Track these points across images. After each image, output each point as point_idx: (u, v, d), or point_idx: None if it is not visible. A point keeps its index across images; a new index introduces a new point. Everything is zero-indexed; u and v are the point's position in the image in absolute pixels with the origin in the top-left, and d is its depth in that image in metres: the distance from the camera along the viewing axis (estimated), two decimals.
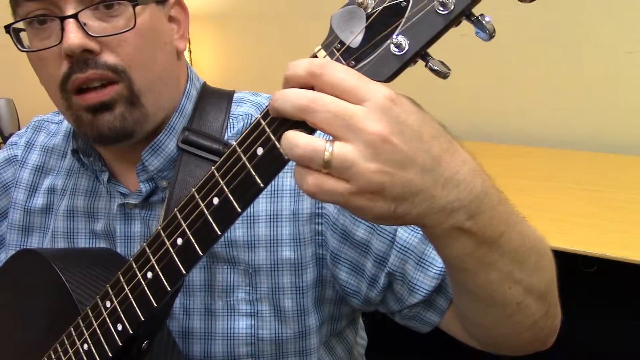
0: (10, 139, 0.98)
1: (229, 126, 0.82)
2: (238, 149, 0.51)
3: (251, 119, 0.82)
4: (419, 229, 0.62)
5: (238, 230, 0.78)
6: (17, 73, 2.64)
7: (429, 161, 0.47)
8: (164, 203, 0.81)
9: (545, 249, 0.64)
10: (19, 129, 2.39)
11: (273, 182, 0.55)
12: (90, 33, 0.71)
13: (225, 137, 0.81)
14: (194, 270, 0.78)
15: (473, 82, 2.09)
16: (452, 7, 0.45)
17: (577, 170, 1.78)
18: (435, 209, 0.49)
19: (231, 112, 0.84)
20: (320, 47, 0.50)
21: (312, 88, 0.47)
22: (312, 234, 0.78)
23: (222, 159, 0.53)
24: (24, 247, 0.91)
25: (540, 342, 0.72)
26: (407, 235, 0.77)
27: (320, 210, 0.77)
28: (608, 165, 1.81)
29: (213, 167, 0.54)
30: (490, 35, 0.46)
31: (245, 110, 0.84)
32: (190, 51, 2.55)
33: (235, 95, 0.87)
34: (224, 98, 0.85)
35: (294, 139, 0.46)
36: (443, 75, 0.48)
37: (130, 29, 0.72)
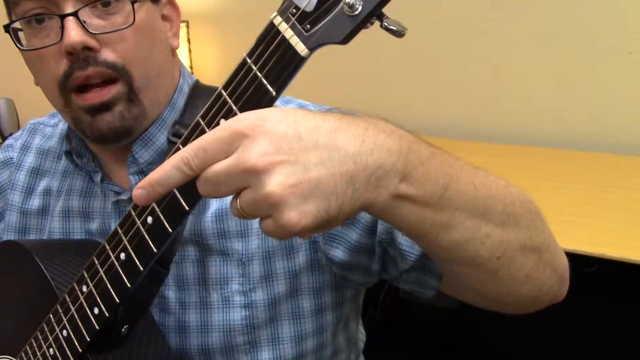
0: (6, 142, 0.99)
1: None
2: (202, 121, 0.54)
3: None
4: None
5: (231, 221, 0.79)
6: (17, 73, 2.64)
7: (322, 151, 0.46)
8: None
9: (514, 194, 0.60)
10: (19, 129, 2.39)
11: None
12: (90, 30, 0.72)
13: None
14: (187, 264, 0.79)
15: (473, 82, 2.09)
16: None
17: (577, 170, 1.78)
18: (360, 188, 0.47)
19: None
20: (276, 13, 0.51)
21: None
22: None
23: (185, 134, 0.55)
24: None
25: (550, 295, 0.67)
26: None
27: None
28: (608, 165, 1.81)
29: (179, 142, 0.55)
30: None
31: None
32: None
33: None
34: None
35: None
36: (399, 34, 0.48)
37: (130, 25, 0.73)
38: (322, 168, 0.46)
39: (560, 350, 1.61)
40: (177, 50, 0.85)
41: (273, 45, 0.50)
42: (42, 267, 0.75)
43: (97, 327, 0.66)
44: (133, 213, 0.60)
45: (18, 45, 0.77)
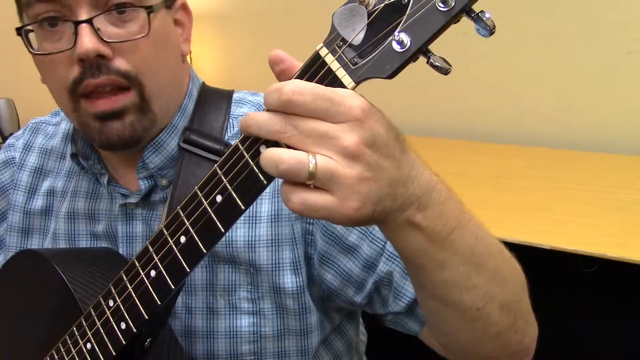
0: (8, 141, 0.98)
1: (229, 127, 0.83)
2: (241, 146, 0.52)
3: None
4: None
5: (239, 231, 0.79)
6: (17, 73, 2.64)
7: (395, 164, 0.51)
8: (166, 203, 0.81)
9: (506, 257, 0.65)
10: (19, 129, 2.38)
11: (275, 183, 0.56)
12: (103, 38, 0.71)
13: (225, 137, 0.82)
14: (195, 270, 0.78)
15: (473, 82, 2.09)
16: (453, 3, 0.46)
17: (577, 170, 1.78)
18: (395, 206, 0.52)
19: (231, 113, 0.84)
20: (322, 44, 0.51)
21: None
22: (303, 233, 0.79)
23: (224, 157, 0.53)
24: (24, 248, 0.90)
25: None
26: None
27: None
28: (608, 165, 1.81)
29: (216, 165, 0.54)
30: (491, 31, 0.47)
31: (245, 110, 0.85)
32: (190, 51, 2.55)
33: (235, 96, 0.87)
34: (224, 98, 0.86)
35: (277, 155, 0.48)
36: (444, 71, 0.49)
37: (145, 35, 0.72)
38: (389, 177, 0.50)
39: (560, 350, 1.61)
40: None
41: (319, 76, 0.50)
42: (65, 279, 0.74)
43: (124, 342, 0.66)
44: (165, 232, 0.59)
45: (29, 48, 0.75)
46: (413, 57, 0.49)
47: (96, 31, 0.70)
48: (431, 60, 0.49)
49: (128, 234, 0.84)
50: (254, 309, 0.80)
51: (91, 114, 0.73)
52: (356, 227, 0.77)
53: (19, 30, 0.75)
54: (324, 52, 0.50)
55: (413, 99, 2.12)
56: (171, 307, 0.75)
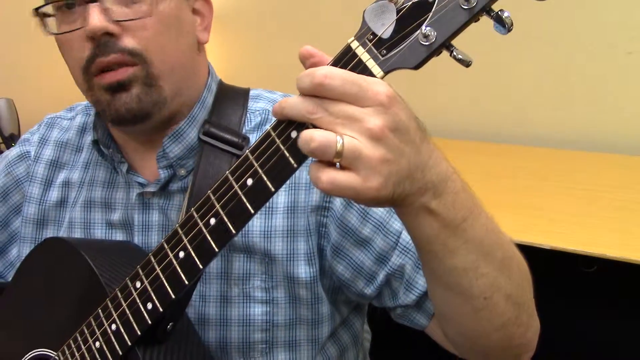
0: (23, 136, 1.00)
1: (246, 121, 0.86)
2: (272, 132, 0.56)
3: (268, 114, 0.87)
4: None
5: (256, 221, 0.81)
6: (17, 73, 2.64)
7: (415, 150, 0.54)
8: (185, 193, 0.84)
9: (514, 252, 0.68)
10: (19, 129, 2.38)
11: (293, 177, 0.58)
12: (112, 17, 0.74)
13: (243, 130, 0.85)
14: None
15: (473, 82, 2.09)
16: (475, 2, 0.50)
17: (577, 170, 1.78)
18: (413, 190, 0.55)
19: (249, 107, 0.87)
20: (353, 38, 0.54)
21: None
22: (317, 225, 0.81)
23: (256, 143, 0.57)
24: (39, 239, 0.93)
25: (514, 352, 0.73)
26: (409, 237, 0.78)
27: (327, 204, 0.80)
28: (608, 165, 1.81)
29: (247, 151, 0.58)
30: (509, 29, 0.51)
31: (262, 106, 0.88)
32: (208, 40, 2.55)
33: (252, 92, 0.91)
34: (241, 94, 0.89)
35: (310, 134, 0.52)
36: (466, 63, 0.53)
37: (150, 14, 0.76)
38: (408, 161, 0.53)
39: (560, 350, 1.61)
40: None
41: (349, 66, 0.54)
42: (92, 264, 0.77)
43: (150, 322, 0.68)
44: (195, 214, 0.62)
45: (44, 30, 0.80)
46: (437, 51, 0.53)
47: (105, 10, 0.74)
48: (454, 53, 0.53)
49: (144, 222, 0.86)
50: (268, 297, 0.82)
51: (101, 87, 0.77)
52: (370, 221, 0.80)
53: (36, 11, 0.79)
54: (355, 44, 0.54)
55: (413, 99, 2.10)
56: (191, 293, 0.77)
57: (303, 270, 0.81)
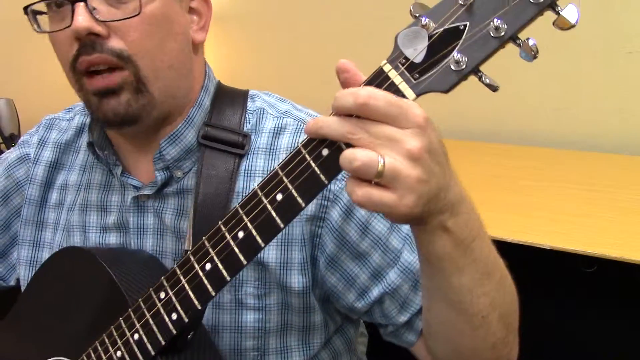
0: (22, 138, 1.00)
1: (245, 121, 0.85)
2: (303, 150, 0.57)
3: (263, 114, 0.86)
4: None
5: None
6: (17, 73, 2.64)
7: (442, 171, 0.56)
8: (180, 195, 0.83)
9: (507, 274, 0.70)
10: (19, 129, 2.38)
11: None
12: (98, 17, 0.74)
13: (244, 129, 0.84)
14: None
15: (473, 82, 2.09)
16: (503, 32, 0.52)
17: (577, 170, 1.77)
18: (437, 209, 0.57)
19: (247, 107, 0.87)
20: (385, 61, 0.56)
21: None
22: (311, 235, 0.80)
23: (286, 160, 0.59)
24: (38, 241, 0.94)
25: None
26: (412, 258, 0.80)
27: (322, 215, 0.79)
28: (608, 165, 1.81)
29: (277, 167, 0.59)
30: (534, 57, 0.53)
31: (259, 105, 0.87)
32: (204, 39, 2.55)
33: (250, 93, 0.90)
34: (240, 95, 0.89)
35: (353, 154, 0.53)
36: (494, 88, 0.56)
37: (135, 15, 0.74)
38: (437, 181, 0.56)
39: (560, 350, 1.61)
40: None
41: (383, 88, 0.55)
42: (112, 273, 0.77)
43: (175, 332, 0.69)
44: (223, 228, 0.64)
45: (34, 27, 0.79)
46: (467, 76, 0.55)
47: (91, 10, 0.73)
48: (483, 78, 0.55)
49: (139, 225, 0.86)
50: (260, 305, 0.81)
51: (90, 91, 0.76)
52: (369, 236, 0.80)
53: (25, 9, 0.79)
54: (387, 67, 0.56)
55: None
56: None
57: (296, 280, 0.80)
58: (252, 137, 0.83)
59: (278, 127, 0.83)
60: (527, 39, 0.53)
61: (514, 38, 0.53)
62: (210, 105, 0.86)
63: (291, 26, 2.45)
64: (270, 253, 0.80)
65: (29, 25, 0.80)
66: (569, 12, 0.51)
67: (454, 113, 2.24)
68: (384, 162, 0.52)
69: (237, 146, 0.82)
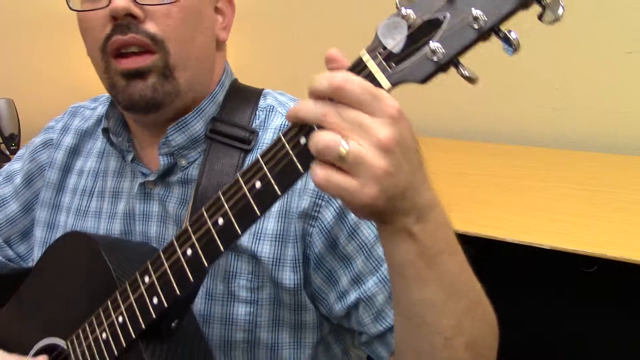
0: (48, 124, 1.04)
1: (255, 118, 0.87)
2: (283, 138, 0.57)
3: (272, 111, 0.87)
4: None
5: None
6: (17, 73, 2.64)
7: (412, 169, 0.55)
8: (185, 185, 0.85)
9: (483, 301, 0.67)
10: (19, 129, 2.38)
11: None
12: (137, 0, 0.75)
13: (252, 125, 0.85)
14: None
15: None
16: (484, 23, 0.52)
17: (577, 170, 1.78)
18: (402, 209, 0.56)
19: (259, 105, 0.88)
20: (364, 50, 0.56)
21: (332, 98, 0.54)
22: (303, 233, 0.80)
23: (267, 148, 0.58)
24: (52, 223, 0.97)
25: None
26: None
27: (315, 214, 0.79)
28: (608, 165, 1.81)
29: (259, 155, 0.59)
30: (516, 49, 0.53)
31: (269, 102, 0.88)
32: (227, 38, 2.55)
33: (264, 91, 0.92)
34: (254, 93, 0.90)
35: (319, 135, 0.53)
36: (473, 80, 0.54)
37: (175, 1, 0.76)
38: (405, 179, 0.54)
39: (560, 350, 1.61)
40: None
41: (360, 76, 0.55)
42: (106, 258, 0.78)
43: (154, 316, 0.70)
44: (205, 214, 0.64)
45: (69, 4, 0.80)
46: (444, 67, 0.54)
47: None
48: (461, 70, 0.54)
49: (145, 212, 0.88)
50: (252, 298, 0.81)
51: (119, 72, 0.78)
52: (356, 240, 0.79)
53: None
54: (366, 57, 0.56)
55: (413, 99, 2.11)
56: (197, 291, 0.78)
57: (288, 277, 0.80)
58: (260, 133, 0.84)
59: (285, 124, 0.84)
60: (509, 31, 0.53)
61: (495, 30, 0.53)
62: (223, 100, 0.87)
63: (291, 25, 2.45)
64: (265, 247, 0.80)
65: (28, 26, 0.80)
66: (554, 6, 0.51)
67: (454, 113, 2.24)
68: (348, 147, 0.52)
69: (244, 141, 0.83)
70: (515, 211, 1.50)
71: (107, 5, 0.75)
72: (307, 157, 0.55)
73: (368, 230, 0.79)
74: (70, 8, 0.80)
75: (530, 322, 1.63)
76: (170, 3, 0.76)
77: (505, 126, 2.14)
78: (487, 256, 1.60)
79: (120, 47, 0.77)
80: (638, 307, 1.55)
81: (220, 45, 0.87)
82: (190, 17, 0.79)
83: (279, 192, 0.57)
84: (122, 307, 0.73)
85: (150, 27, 0.76)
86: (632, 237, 1.34)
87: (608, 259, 1.27)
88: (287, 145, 0.57)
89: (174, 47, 0.78)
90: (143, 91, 0.78)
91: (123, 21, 0.75)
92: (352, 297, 0.79)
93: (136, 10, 0.75)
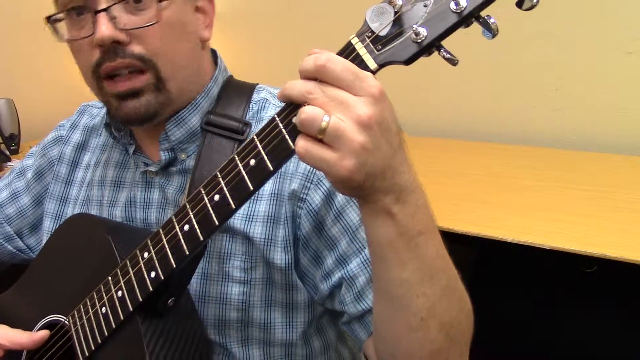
0: (60, 123, 1.10)
1: (248, 110, 0.90)
2: (277, 118, 0.60)
3: (265, 103, 0.91)
4: None
5: None
6: (17, 73, 2.64)
7: (391, 150, 0.58)
8: (184, 174, 0.89)
9: (459, 288, 0.69)
10: (19, 129, 2.38)
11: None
12: (119, 26, 0.78)
13: (246, 118, 0.89)
14: None
15: (473, 82, 2.09)
16: (464, 7, 0.55)
17: (577, 170, 1.78)
18: (381, 188, 0.59)
19: (252, 99, 0.91)
20: (354, 35, 0.60)
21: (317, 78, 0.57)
22: (292, 214, 0.83)
23: (261, 128, 0.62)
24: (60, 214, 1.02)
25: None
26: None
27: (303, 196, 0.83)
28: (608, 165, 1.81)
29: (254, 134, 0.62)
30: (494, 34, 0.56)
31: (263, 96, 0.92)
32: (211, 36, 2.56)
33: (258, 86, 0.95)
34: (248, 88, 0.94)
35: (303, 109, 0.56)
36: (453, 62, 0.57)
37: (155, 23, 0.79)
38: (384, 157, 0.57)
39: (560, 350, 1.61)
40: None
41: (348, 58, 0.59)
42: (109, 238, 0.82)
43: (151, 289, 0.73)
44: (202, 191, 0.67)
45: (56, 36, 0.83)
46: (427, 49, 0.57)
47: (112, 19, 0.77)
48: (442, 52, 0.57)
49: (146, 199, 0.92)
50: (245, 278, 0.85)
51: (113, 94, 0.81)
52: (341, 222, 0.82)
53: (48, 19, 0.83)
54: (354, 40, 0.59)
55: (413, 99, 2.12)
56: (194, 269, 0.81)
57: (279, 257, 0.83)
58: (253, 124, 0.87)
59: None
60: (487, 16, 0.56)
61: (474, 15, 0.56)
62: (217, 95, 0.90)
63: (291, 25, 2.46)
64: (257, 228, 0.83)
65: (28, 26, 0.81)
66: None
67: (455, 113, 2.24)
68: (329, 121, 0.55)
69: (237, 132, 0.86)
70: (515, 211, 1.50)
71: (92, 34, 0.78)
72: (297, 134, 0.58)
73: (353, 213, 0.82)
74: (61, 40, 0.83)
75: (530, 321, 1.63)
76: (152, 24, 0.79)
77: (505, 126, 2.14)
78: (487, 256, 1.60)
79: (111, 72, 0.80)
80: (638, 307, 1.55)
81: (203, 43, 0.90)
82: (173, 30, 0.81)
83: (271, 168, 0.60)
84: (122, 282, 0.76)
85: (137, 48, 0.79)
86: (632, 237, 1.34)
87: (608, 259, 1.27)
88: (280, 124, 0.60)
89: (162, 62, 0.81)
90: (138, 109, 0.81)
91: (109, 47, 0.78)
92: (336, 277, 0.82)
93: (120, 36, 0.78)
